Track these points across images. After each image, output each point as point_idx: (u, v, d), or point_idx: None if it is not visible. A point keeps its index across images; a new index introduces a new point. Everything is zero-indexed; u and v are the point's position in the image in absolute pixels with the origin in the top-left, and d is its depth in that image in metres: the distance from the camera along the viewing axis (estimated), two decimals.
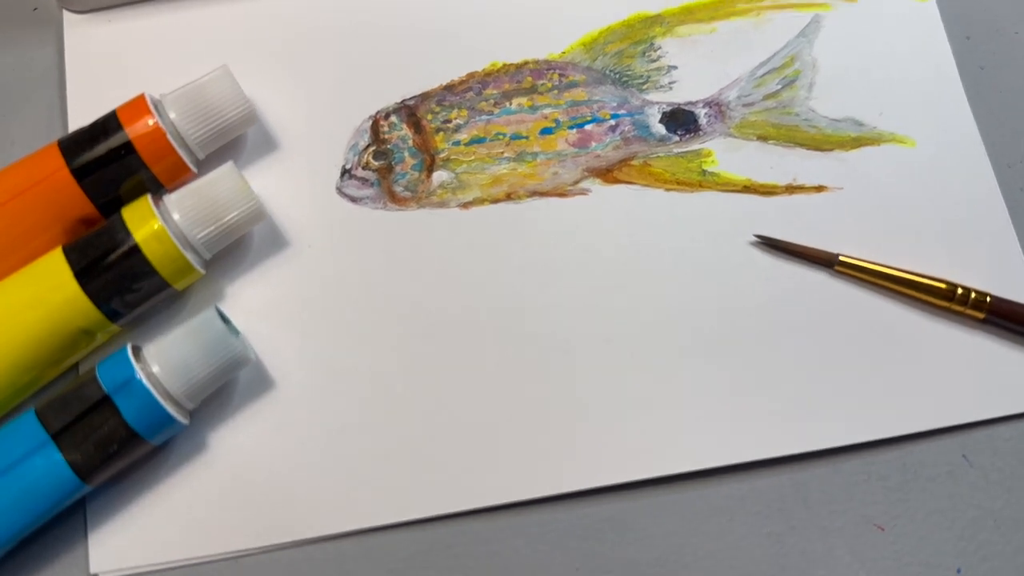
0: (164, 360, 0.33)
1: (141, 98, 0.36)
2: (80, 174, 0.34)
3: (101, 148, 0.35)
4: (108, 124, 0.35)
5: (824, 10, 0.41)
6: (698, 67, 0.40)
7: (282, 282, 0.37)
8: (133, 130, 0.35)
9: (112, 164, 0.35)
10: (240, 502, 0.34)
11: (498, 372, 0.36)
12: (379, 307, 0.37)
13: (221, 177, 0.35)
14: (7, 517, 0.32)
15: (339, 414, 0.36)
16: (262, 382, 0.36)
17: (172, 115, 0.35)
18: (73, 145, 0.35)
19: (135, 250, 0.33)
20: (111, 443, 0.32)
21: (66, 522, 0.34)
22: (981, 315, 0.37)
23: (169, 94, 0.36)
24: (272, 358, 0.36)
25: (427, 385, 0.36)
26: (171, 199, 0.35)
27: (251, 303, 0.37)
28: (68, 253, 0.34)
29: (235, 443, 0.35)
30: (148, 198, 0.34)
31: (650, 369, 0.36)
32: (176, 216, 0.34)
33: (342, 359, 0.36)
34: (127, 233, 0.34)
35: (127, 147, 0.35)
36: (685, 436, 0.35)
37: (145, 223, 0.34)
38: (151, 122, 0.35)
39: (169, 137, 0.35)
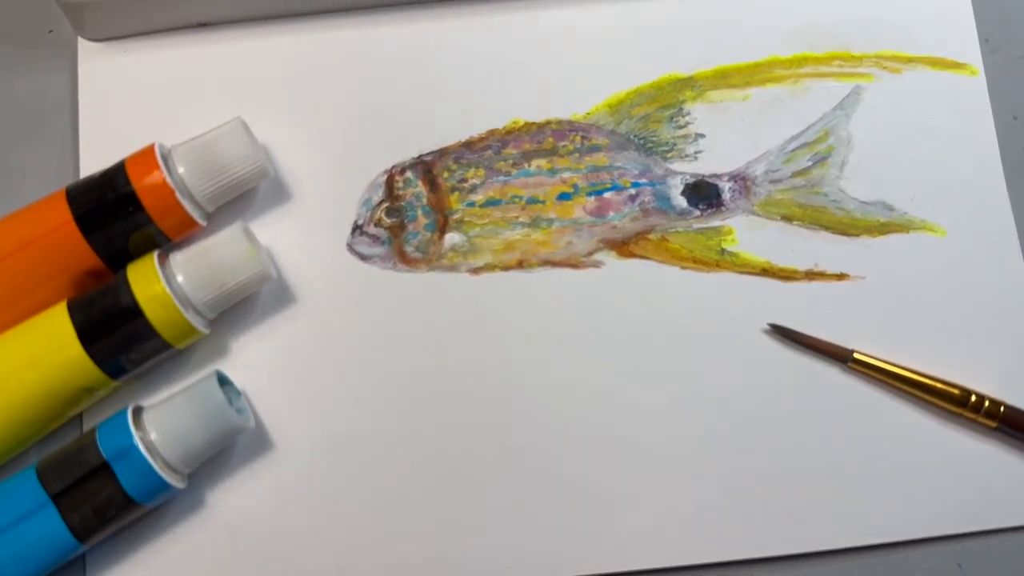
0: (162, 427, 0.33)
1: (150, 150, 0.35)
2: (87, 228, 0.34)
3: (108, 202, 0.34)
4: (116, 177, 0.34)
5: (866, 81, 0.39)
6: (727, 136, 0.39)
7: (287, 340, 0.37)
8: (141, 185, 0.34)
9: (119, 220, 0.34)
10: (235, 563, 0.35)
11: (499, 446, 0.36)
12: (383, 370, 0.37)
13: (228, 239, 0.34)
14: (6, 575, 0.32)
15: (337, 478, 0.36)
16: (262, 442, 0.36)
17: (181, 170, 0.35)
18: (80, 198, 0.34)
19: (138, 313, 0.33)
20: (109, 508, 0.32)
21: None
22: (993, 424, 0.36)
23: (179, 146, 0.35)
24: (273, 418, 0.36)
25: (426, 453, 0.36)
26: (176, 260, 0.34)
27: (254, 359, 0.37)
28: (72, 312, 0.33)
29: (232, 503, 0.35)
30: (154, 257, 0.34)
31: (650, 456, 0.36)
32: (180, 278, 0.34)
33: (343, 422, 0.36)
34: (131, 295, 0.33)
35: (134, 203, 0.34)
36: (676, 528, 0.35)
37: (149, 286, 0.33)
38: (159, 177, 0.34)
39: (177, 194, 0.34)
